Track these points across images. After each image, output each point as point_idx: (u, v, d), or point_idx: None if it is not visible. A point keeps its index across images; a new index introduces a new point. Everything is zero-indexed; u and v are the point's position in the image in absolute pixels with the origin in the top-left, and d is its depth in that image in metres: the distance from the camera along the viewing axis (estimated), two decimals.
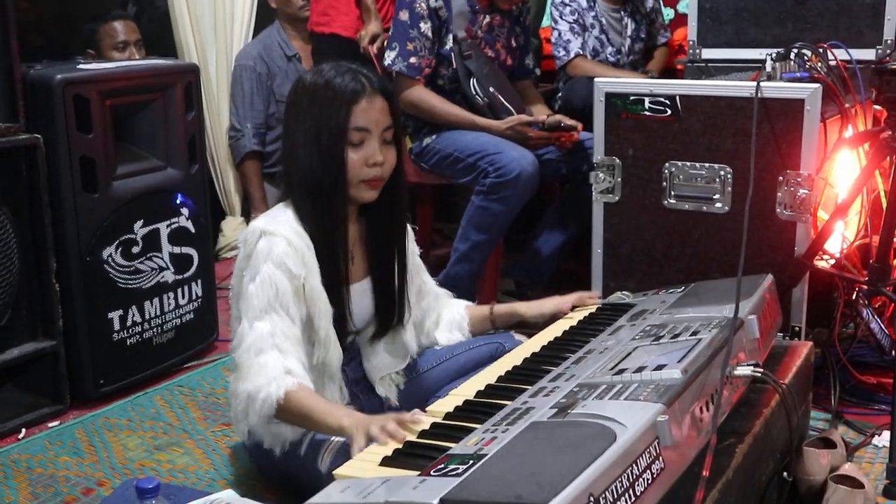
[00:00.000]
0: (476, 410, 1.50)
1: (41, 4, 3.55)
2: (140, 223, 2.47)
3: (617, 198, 2.38)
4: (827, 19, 2.70)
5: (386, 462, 1.35)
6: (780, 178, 2.17)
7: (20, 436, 2.24)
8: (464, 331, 2.08)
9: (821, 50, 2.35)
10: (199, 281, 2.67)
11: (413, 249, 2.02)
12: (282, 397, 1.64)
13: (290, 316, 1.72)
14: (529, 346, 1.85)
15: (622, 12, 3.35)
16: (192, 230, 2.63)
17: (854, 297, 2.29)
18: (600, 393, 1.38)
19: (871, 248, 2.28)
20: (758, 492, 1.62)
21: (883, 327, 2.30)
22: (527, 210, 2.87)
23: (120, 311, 2.44)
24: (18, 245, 2.26)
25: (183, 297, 2.62)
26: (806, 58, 2.31)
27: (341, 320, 1.82)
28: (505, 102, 2.89)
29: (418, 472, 1.24)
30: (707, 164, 2.25)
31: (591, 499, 1.08)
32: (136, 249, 2.46)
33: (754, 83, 2.16)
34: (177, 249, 2.58)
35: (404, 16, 2.86)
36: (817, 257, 2.16)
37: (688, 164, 2.27)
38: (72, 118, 2.28)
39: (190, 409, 2.38)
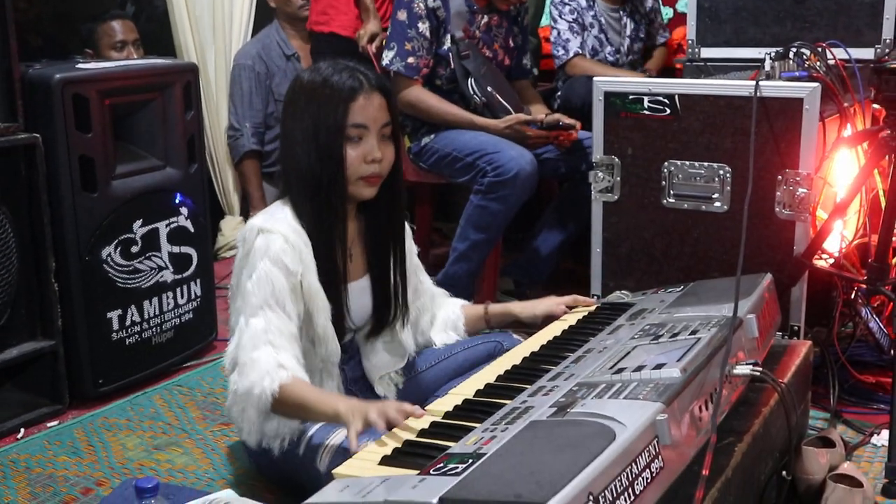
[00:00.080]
0: (475, 409, 1.50)
1: (40, 4, 3.55)
2: (139, 223, 2.46)
3: (616, 197, 2.38)
4: (826, 18, 2.70)
5: (385, 461, 1.35)
6: (779, 177, 2.17)
7: (19, 435, 2.24)
8: (459, 330, 2.08)
9: (820, 49, 2.35)
10: (198, 280, 2.67)
11: (411, 248, 2.02)
12: (276, 390, 1.64)
13: (286, 312, 1.72)
14: (528, 345, 1.85)
15: (621, 12, 3.35)
16: (191, 229, 2.63)
17: (853, 296, 2.29)
18: (599, 392, 1.38)
19: (870, 247, 2.28)
20: (757, 490, 1.62)
21: (882, 326, 2.30)
22: (526, 209, 2.87)
23: (119, 311, 2.44)
24: (17, 244, 2.26)
25: (182, 297, 2.62)
26: (805, 57, 2.31)
27: (339, 318, 1.82)
28: (503, 102, 2.89)
29: (417, 472, 1.23)
30: (706, 164, 2.25)
31: (591, 497, 1.08)
32: (135, 249, 2.46)
33: (753, 82, 2.16)
34: (176, 249, 2.58)
35: (402, 16, 2.86)
36: (816, 256, 2.16)
37: (687, 163, 2.27)
38: (71, 118, 2.28)
39: (189, 408, 2.37)
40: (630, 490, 1.15)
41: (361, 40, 3.30)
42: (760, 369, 1.57)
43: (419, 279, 2.07)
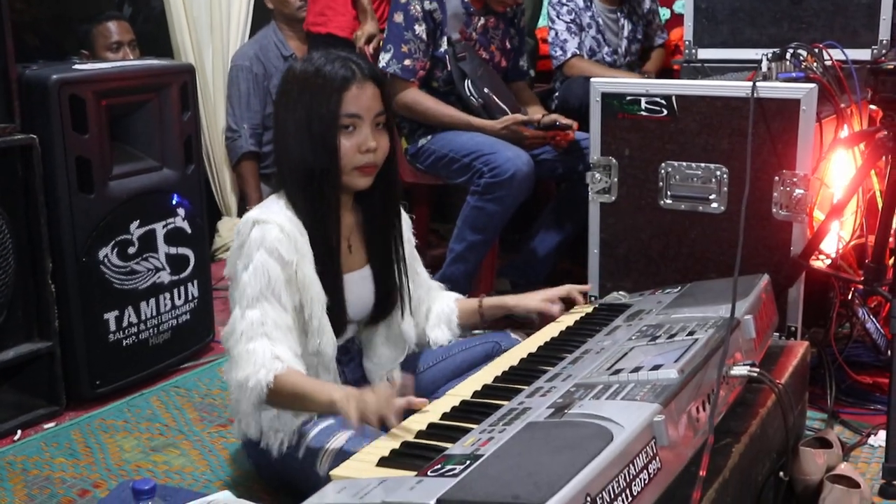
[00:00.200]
0: (473, 411, 1.50)
1: (37, 5, 3.55)
2: (136, 224, 2.46)
3: (613, 198, 2.38)
4: (822, 19, 2.70)
5: (382, 462, 1.35)
6: (776, 178, 2.17)
7: (16, 437, 2.24)
8: (452, 325, 2.07)
9: (816, 50, 2.35)
10: (196, 281, 2.67)
11: (408, 238, 2.02)
12: (271, 381, 1.64)
13: (281, 304, 1.72)
14: (526, 346, 1.85)
15: (619, 13, 3.36)
16: (188, 231, 2.62)
17: (850, 296, 2.29)
18: (597, 393, 1.38)
19: (867, 247, 2.28)
20: (754, 491, 1.62)
21: (879, 327, 2.31)
22: (523, 210, 2.87)
23: (116, 312, 2.43)
24: (14, 245, 2.25)
25: (179, 298, 2.62)
26: (802, 58, 2.31)
27: (336, 309, 1.82)
28: (500, 103, 2.89)
29: (415, 473, 1.23)
30: (703, 165, 2.25)
31: (588, 499, 1.08)
32: (132, 250, 2.46)
33: (750, 83, 2.16)
34: (173, 250, 2.58)
35: (399, 18, 2.86)
36: (813, 257, 2.16)
37: (684, 164, 2.28)
38: (67, 118, 2.27)
39: (186, 410, 2.37)
40: (627, 491, 1.15)
41: (358, 41, 3.30)
42: (758, 370, 1.57)
43: (416, 271, 2.07)
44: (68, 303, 2.34)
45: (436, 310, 2.10)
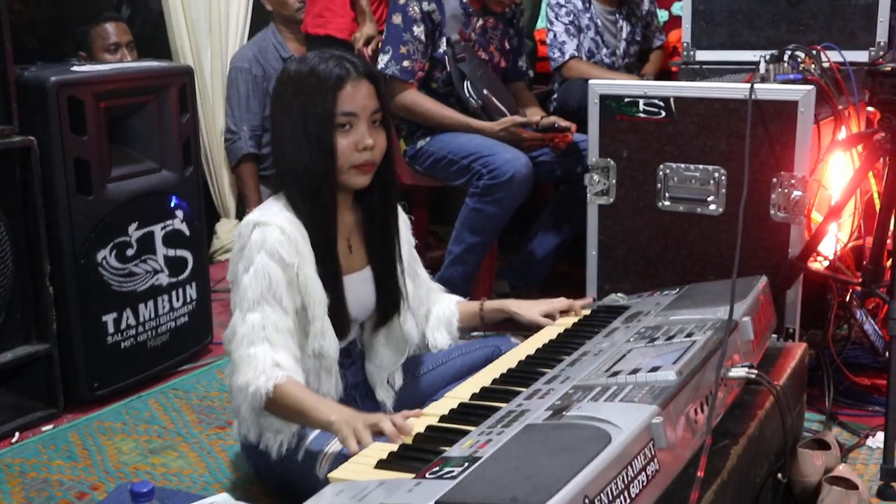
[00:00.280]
0: (471, 413, 1.50)
1: (35, 7, 3.54)
2: (134, 226, 2.46)
3: (611, 200, 2.38)
4: (820, 21, 2.70)
5: (381, 465, 1.35)
6: (774, 179, 2.17)
7: (14, 440, 2.23)
8: (451, 328, 2.07)
9: (814, 52, 2.35)
10: (194, 284, 2.66)
11: (409, 238, 2.02)
12: (271, 390, 1.64)
13: (282, 307, 1.71)
14: (524, 348, 1.85)
15: (617, 15, 3.36)
16: (187, 233, 2.62)
17: (848, 298, 2.29)
18: (595, 395, 1.38)
19: (865, 249, 2.28)
20: (752, 493, 1.62)
21: (876, 329, 2.31)
22: (521, 212, 2.87)
23: (114, 314, 2.43)
24: (12, 247, 2.25)
25: (177, 300, 2.61)
26: (799, 60, 2.31)
27: (337, 310, 1.82)
28: (499, 105, 2.89)
29: (413, 475, 1.23)
30: (701, 166, 2.26)
31: (587, 500, 1.08)
32: (130, 252, 2.46)
33: (748, 85, 2.17)
34: (171, 252, 2.58)
35: (397, 19, 2.86)
36: (811, 259, 2.16)
37: (682, 165, 2.28)
38: (66, 120, 2.27)
39: (184, 412, 2.37)
40: (626, 493, 1.15)
41: (357, 43, 3.30)
42: (756, 372, 1.57)
43: (416, 272, 2.06)
44: (66, 305, 2.34)
45: (436, 312, 2.10)
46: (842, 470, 1.77)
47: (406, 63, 2.86)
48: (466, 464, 1.20)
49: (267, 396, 1.64)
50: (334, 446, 1.66)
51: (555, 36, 3.29)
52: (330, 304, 1.79)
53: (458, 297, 2.16)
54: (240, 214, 3.84)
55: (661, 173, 2.30)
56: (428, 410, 1.56)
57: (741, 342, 1.66)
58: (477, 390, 1.62)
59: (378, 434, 1.47)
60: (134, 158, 2.51)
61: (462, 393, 1.62)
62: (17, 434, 2.25)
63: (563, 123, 2.86)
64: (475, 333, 2.41)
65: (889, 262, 2.12)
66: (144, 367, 2.53)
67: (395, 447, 1.41)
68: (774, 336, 2.08)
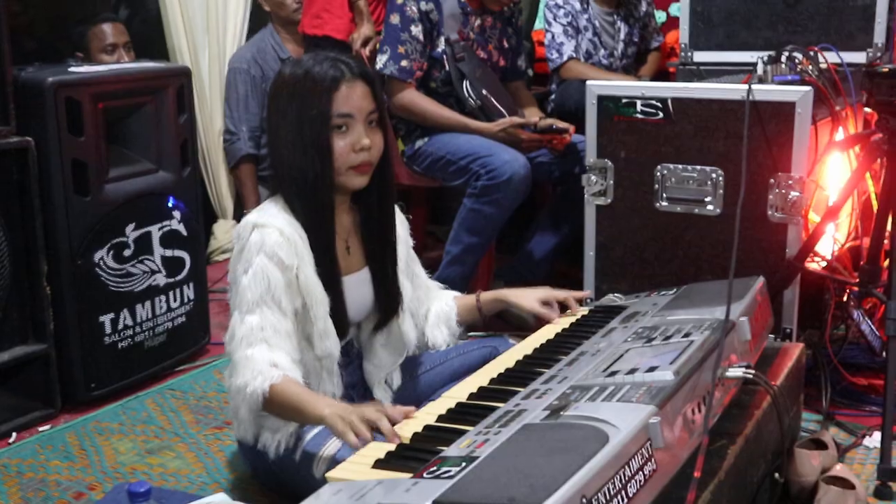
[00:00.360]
0: (468, 413, 1.50)
1: (33, 7, 3.54)
2: (132, 226, 2.46)
3: (609, 200, 2.38)
4: (818, 22, 2.71)
5: (378, 464, 1.35)
6: (772, 180, 2.17)
7: (11, 440, 2.23)
8: (451, 324, 2.07)
9: (812, 53, 2.36)
10: (191, 284, 2.66)
11: (406, 239, 2.02)
12: (266, 390, 1.64)
13: (281, 309, 1.71)
14: (522, 348, 1.85)
15: (615, 16, 3.36)
16: (184, 233, 2.62)
17: (845, 298, 2.29)
18: (593, 395, 1.38)
19: (862, 250, 2.29)
20: (749, 493, 1.62)
21: (874, 329, 2.31)
22: (519, 212, 2.87)
23: (111, 315, 2.43)
24: (9, 248, 2.25)
25: (175, 301, 2.61)
26: (797, 61, 2.32)
27: (338, 311, 1.81)
28: (497, 105, 2.89)
29: (411, 475, 1.23)
30: (699, 167, 2.26)
31: (584, 500, 1.08)
32: (127, 252, 2.45)
33: (745, 86, 2.17)
34: (168, 252, 2.58)
35: (395, 19, 2.86)
36: (808, 259, 2.17)
37: (679, 166, 2.28)
38: (63, 121, 2.27)
39: (182, 412, 2.37)
40: (623, 493, 1.15)
41: (355, 44, 3.30)
42: (753, 372, 1.58)
43: (415, 272, 2.06)
44: (64, 305, 2.33)
45: (435, 309, 2.10)
46: (839, 470, 1.77)
47: (404, 63, 2.86)
48: (464, 463, 1.20)
49: (264, 397, 1.64)
50: (331, 448, 1.66)
51: (553, 37, 3.29)
52: (330, 306, 1.79)
53: (455, 292, 2.16)
54: (237, 215, 3.84)
55: (658, 174, 2.30)
56: (425, 410, 1.56)
57: (738, 342, 1.66)
58: (474, 390, 1.63)
59: (374, 430, 1.47)
60: (131, 159, 2.51)
61: (459, 393, 1.62)
62: (14, 434, 2.25)
63: (562, 125, 2.87)
64: (473, 333, 2.41)
65: (886, 263, 2.12)
66: (142, 368, 2.53)
67: (392, 447, 1.41)
68: (772, 336, 2.08)
